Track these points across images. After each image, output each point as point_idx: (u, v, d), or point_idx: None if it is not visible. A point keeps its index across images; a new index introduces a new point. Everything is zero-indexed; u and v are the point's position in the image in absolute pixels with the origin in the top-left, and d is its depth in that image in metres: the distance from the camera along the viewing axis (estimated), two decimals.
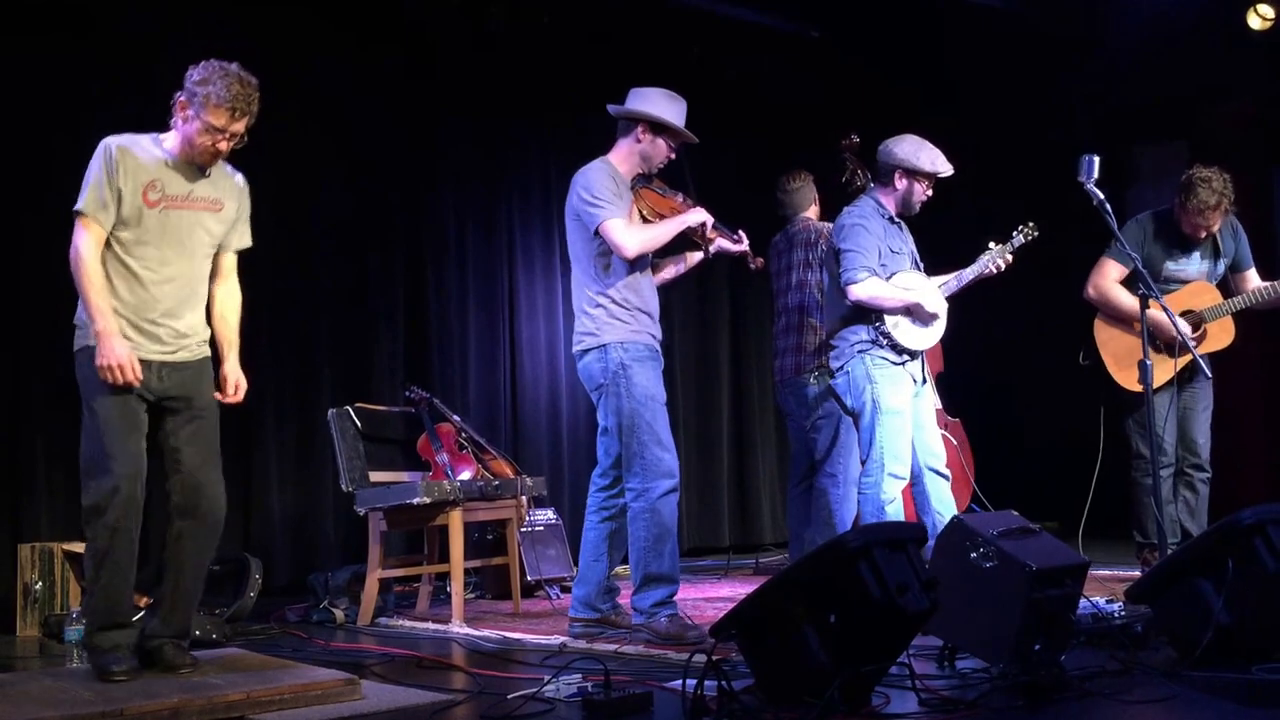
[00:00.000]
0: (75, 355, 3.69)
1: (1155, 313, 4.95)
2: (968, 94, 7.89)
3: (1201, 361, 4.52)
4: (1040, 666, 3.19)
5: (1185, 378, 5.16)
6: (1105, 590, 4.53)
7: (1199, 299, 5.14)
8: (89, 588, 3.67)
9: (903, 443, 4.74)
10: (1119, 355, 5.19)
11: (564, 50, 7.06)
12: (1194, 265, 5.19)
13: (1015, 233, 5.04)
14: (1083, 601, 3.62)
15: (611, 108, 4.52)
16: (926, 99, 7.74)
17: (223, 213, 3.79)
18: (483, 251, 7.12)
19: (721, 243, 4.60)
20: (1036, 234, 5.07)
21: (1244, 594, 3.28)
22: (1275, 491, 7.17)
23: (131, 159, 3.62)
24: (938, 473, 4.83)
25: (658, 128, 4.45)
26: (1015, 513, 3.58)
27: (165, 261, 3.69)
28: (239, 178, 3.86)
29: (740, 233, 4.68)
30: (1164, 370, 4.99)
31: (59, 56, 5.57)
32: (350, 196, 6.59)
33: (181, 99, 3.63)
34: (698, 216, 4.49)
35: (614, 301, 4.37)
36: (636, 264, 4.41)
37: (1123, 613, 3.87)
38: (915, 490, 4.89)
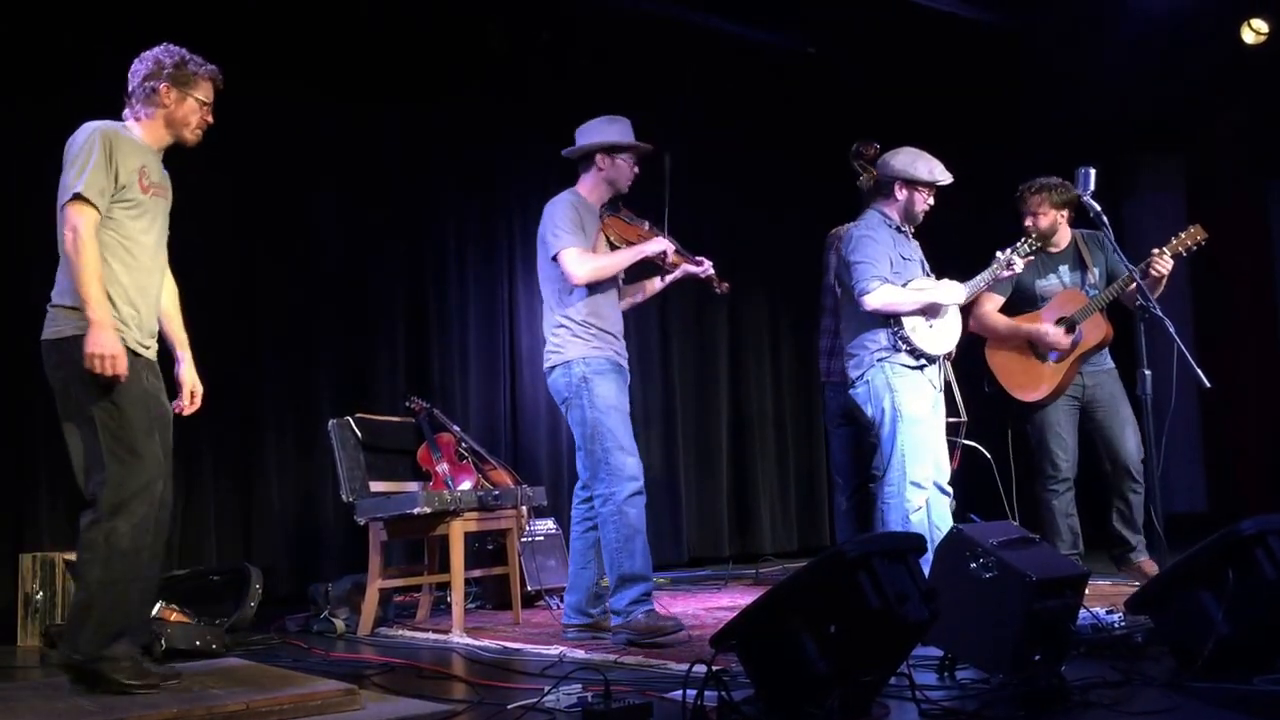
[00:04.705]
0: (58, 344, 3.57)
1: (1032, 325, 5.54)
2: (966, 108, 7.91)
3: (1200, 373, 4.52)
4: (1040, 677, 3.19)
5: (1097, 393, 5.50)
6: (1105, 601, 4.53)
7: (1068, 306, 5.52)
8: (97, 595, 3.46)
9: (925, 451, 4.76)
10: (1013, 374, 5.61)
11: (564, 67, 7.09)
12: (1060, 279, 5.59)
13: (1020, 242, 5.14)
14: (1083, 612, 3.62)
15: (565, 151, 4.76)
16: (924, 114, 7.75)
17: (170, 201, 3.83)
18: (483, 263, 7.13)
19: (686, 268, 4.78)
20: (1040, 245, 5.28)
21: (1245, 604, 3.27)
22: (1276, 501, 7.19)
23: (126, 143, 3.63)
24: (940, 488, 4.83)
25: (612, 150, 4.66)
26: (1014, 523, 3.58)
27: (155, 248, 3.72)
28: None
29: (702, 258, 4.81)
30: (1050, 377, 5.51)
31: None
32: (352, 209, 6.61)
33: (162, 86, 3.68)
34: (656, 246, 4.67)
35: (575, 322, 4.59)
36: (597, 288, 4.62)
37: (1123, 623, 3.86)
38: None
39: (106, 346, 3.45)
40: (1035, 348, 5.55)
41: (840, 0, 7.14)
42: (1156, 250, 5.23)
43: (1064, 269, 5.58)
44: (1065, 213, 5.51)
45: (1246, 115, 7.93)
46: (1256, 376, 8.04)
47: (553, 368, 4.63)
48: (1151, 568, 5.18)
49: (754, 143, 8.00)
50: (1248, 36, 7.28)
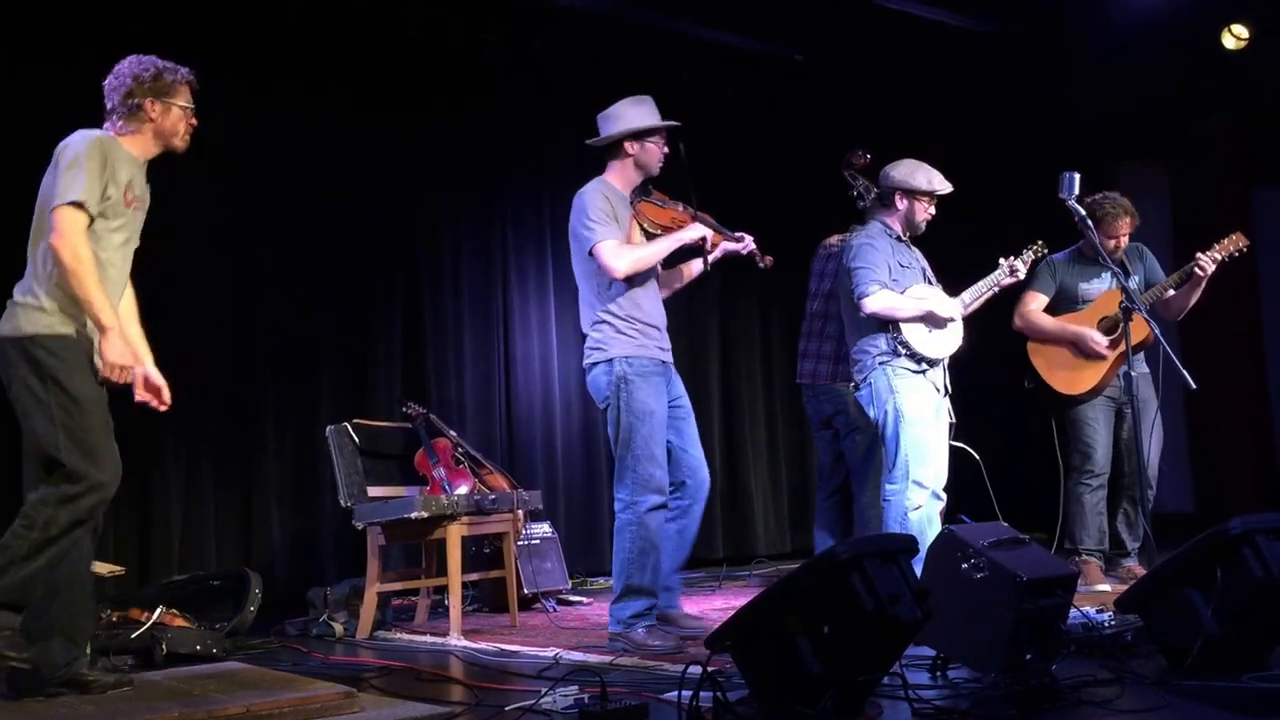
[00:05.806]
0: (17, 341, 3.55)
1: (1078, 326, 5.65)
2: (952, 115, 7.94)
3: (1186, 374, 4.57)
4: (1031, 676, 3.22)
5: (1133, 394, 5.48)
6: (1095, 600, 4.57)
7: (1112, 306, 5.60)
8: (6, 567, 3.40)
9: (927, 450, 4.80)
10: (1056, 369, 5.71)
11: (556, 75, 7.12)
12: (1103, 284, 5.69)
13: (1025, 249, 5.28)
14: (1073, 611, 3.65)
15: (590, 142, 4.60)
16: (911, 121, 7.79)
17: (145, 213, 3.82)
18: (478, 268, 7.16)
19: (726, 245, 4.65)
20: (1046, 251, 5.42)
21: (1233, 603, 3.29)
22: (1264, 500, 7.24)
23: (119, 153, 3.63)
24: (934, 494, 4.86)
25: (640, 134, 4.53)
26: (1005, 524, 3.62)
27: (124, 260, 3.71)
28: None
29: (741, 234, 4.70)
30: (1094, 373, 5.59)
31: None
32: (349, 217, 6.63)
33: (146, 101, 3.66)
34: (694, 233, 4.53)
35: (617, 317, 4.43)
36: (636, 280, 4.46)
37: (1113, 622, 3.88)
38: None
39: (126, 356, 3.53)
40: (1079, 346, 5.64)
41: (827, 9, 7.18)
42: (1201, 254, 5.37)
43: (1106, 275, 5.65)
44: None
45: (1230, 121, 7.96)
46: (1242, 377, 8.08)
47: (594, 364, 4.45)
48: (1140, 572, 5.23)
49: (744, 149, 8.02)
50: (1228, 42, 7.30)
